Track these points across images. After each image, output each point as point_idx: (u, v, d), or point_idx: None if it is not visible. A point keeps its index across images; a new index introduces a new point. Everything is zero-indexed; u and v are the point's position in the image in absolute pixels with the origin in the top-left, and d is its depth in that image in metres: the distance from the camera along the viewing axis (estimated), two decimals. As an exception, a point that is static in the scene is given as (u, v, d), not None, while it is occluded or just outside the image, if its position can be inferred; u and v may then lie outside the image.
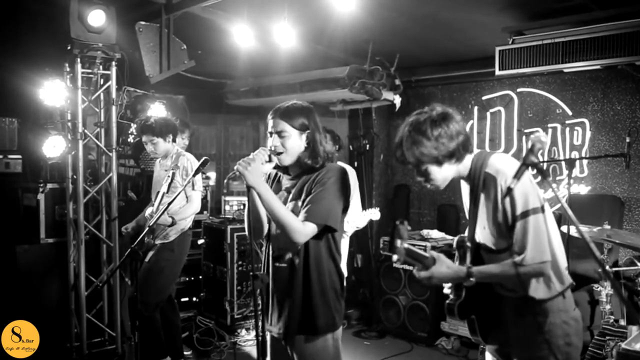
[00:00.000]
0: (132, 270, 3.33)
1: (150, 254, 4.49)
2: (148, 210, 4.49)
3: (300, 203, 2.59)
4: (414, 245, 2.32)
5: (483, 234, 2.42)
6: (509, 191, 2.07)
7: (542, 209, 2.26)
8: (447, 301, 2.51)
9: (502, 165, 2.28)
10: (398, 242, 2.13)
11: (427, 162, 2.29)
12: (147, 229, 3.55)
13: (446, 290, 2.55)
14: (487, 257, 2.44)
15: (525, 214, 2.22)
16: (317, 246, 2.61)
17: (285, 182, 2.75)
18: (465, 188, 2.54)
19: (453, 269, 2.34)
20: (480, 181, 2.33)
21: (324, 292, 2.61)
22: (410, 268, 5.45)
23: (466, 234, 2.57)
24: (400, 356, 5.33)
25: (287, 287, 2.64)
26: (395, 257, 2.17)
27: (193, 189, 4.50)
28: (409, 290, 5.62)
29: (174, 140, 4.65)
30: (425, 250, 2.32)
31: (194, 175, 3.72)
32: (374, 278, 6.11)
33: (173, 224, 4.40)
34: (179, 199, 4.47)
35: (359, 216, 4.48)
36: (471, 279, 2.31)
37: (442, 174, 2.34)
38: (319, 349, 2.61)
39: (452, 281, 2.40)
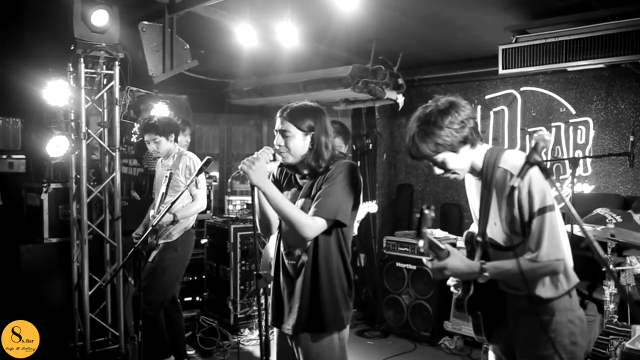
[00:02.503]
0: (135, 269, 3.34)
1: (154, 253, 4.49)
2: (151, 212, 4.50)
3: (310, 200, 2.60)
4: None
5: (493, 230, 2.40)
6: (513, 190, 2.06)
7: (554, 207, 2.26)
8: (456, 296, 2.51)
9: (519, 161, 2.26)
10: (424, 229, 2.13)
11: (443, 151, 2.27)
12: (149, 229, 3.55)
13: (450, 282, 2.54)
14: (494, 254, 2.43)
15: (543, 211, 2.21)
16: (327, 243, 2.61)
17: (298, 179, 2.75)
18: (472, 184, 2.53)
19: (466, 263, 2.32)
20: (494, 177, 2.32)
21: (333, 290, 2.61)
22: (414, 268, 5.51)
23: (471, 229, 2.56)
24: (403, 355, 5.33)
25: (297, 284, 2.64)
26: (421, 243, 2.17)
27: (197, 187, 4.51)
28: (412, 290, 5.62)
29: (176, 140, 4.65)
30: (442, 243, 2.31)
31: (197, 175, 3.72)
32: (377, 277, 6.12)
33: (175, 221, 4.40)
34: (183, 198, 4.47)
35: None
36: (485, 274, 2.29)
37: (460, 161, 2.32)
38: (324, 347, 2.61)
39: (464, 276, 2.37)
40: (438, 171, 2.37)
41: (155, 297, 4.44)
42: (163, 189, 4.22)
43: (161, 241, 4.50)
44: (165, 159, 4.69)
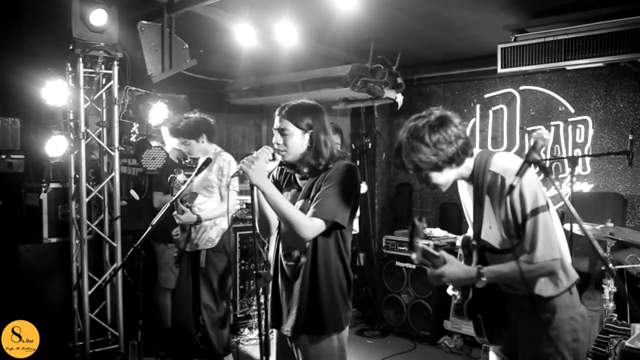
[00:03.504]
0: (135, 269, 3.33)
1: (202, 261, 4.51)
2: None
3: (309, 201, 2.59)
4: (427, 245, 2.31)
5: (488, 233, 2.40)
6: (512, 189, 2.06)
7: (548, 207, 2.26)
8: (455, 301, 2.50)
9: (508, 163, 2.27)
10: (417, 241, 2.13)
11: (426, 168, 2.27)
12: (150, 228, 3.53)
13: (450, 291, 2.54)
14: (490, 258, 2.43)
15: (535, 212, 2.21)
16: (326, 244, 2.61)
17: (297, 179, 2.75)
18: (464, 188, 2.53)
19: (464, 269, 2.33)
20: (485, 181, 2.32)
21: (332, 292, 2.61)
22: (413, 267, 5.51)
23: (469, 233, 2.56)
24: (403, 355, 5.33)
25: (295, 285, 2.64)
26: (414, 256, 2.17)
27: (228, 188, 4.50)
28: (412, 289, 5.62)
29: (210, 140, 4.59)
30: (437, 250, 2.31)
31: (196, 175, 3.70)
32: (377, 277, 6.12)
33: (199, 221, 4.40)
34: (216, 199, 4.49)
35: None
36: (483, 279, 2.29)
37: (443, 178, 2.32)
38: (324, 348, 2.61)
39: (462, 282, 2.37)
40: (420, 183, 2.38)
41: (219, 298, 4.55)
42: (194, 189, 4.26)
43: (202, 247, 4.50)
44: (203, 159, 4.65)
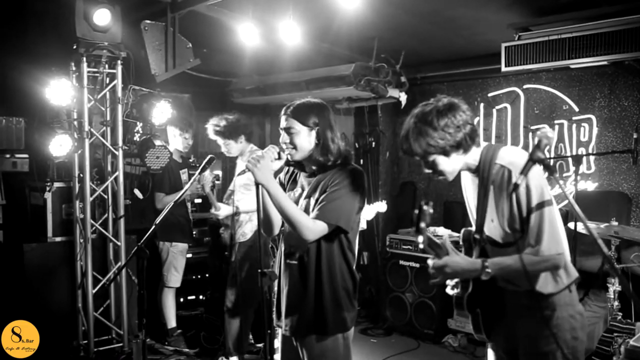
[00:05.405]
0: (138, 269, 3.33)
1: (233, 254, 4.68)
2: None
3: (313, 201, 2.59)
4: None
5: (491, 227, 2.40)
6: (516, 187, 2.06)
7: (553, 202, 2.26)
8: (455, 294, 2.50)
9: (515, 157, 2.27)
10: (423, 225, 2.13)
11: (434, 152, 2.28)
12: (152, 227, 3.53)
13: (449, 291, 2.52)
14: (492, 251, 2.42)
15: (541, 205, 2.21)
16: (329, 246, 2.60)
17: (302, 179, 2.75)
18: (468, 180, 2.53)
19: (468, 260, 2.33)
20: (491, 173, 2.32)
21: (335, 292, 2.60)
22: (417, 265, 5.51)
23: (470, 227, 2.56)
24: (406, 354, 5.33)
25: (298, 285, 2.64)
26: (420, 239, 2.16)
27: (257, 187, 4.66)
28: (416, 288, 5.62)
29: (248, 140, 4.78)
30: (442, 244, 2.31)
31: (199, 173, 3.71)
32: (380, 275, 6.12)
33: (237, 213, 4.60)
34: (253, 196, 4.59)
35: (366, 209, 4.55)
36: (487, 271, 2.28)
37: (450, 165, 2.32)
38: (329, 348, 2.61)
39: (466, 274, 2.35)
40: (427, 170, 2.38)
41: (247, 297, 4.64)
42: (232, 187, 4.49)
43: (235, 241, 4.67)
44: (241, 157, 4.83)
